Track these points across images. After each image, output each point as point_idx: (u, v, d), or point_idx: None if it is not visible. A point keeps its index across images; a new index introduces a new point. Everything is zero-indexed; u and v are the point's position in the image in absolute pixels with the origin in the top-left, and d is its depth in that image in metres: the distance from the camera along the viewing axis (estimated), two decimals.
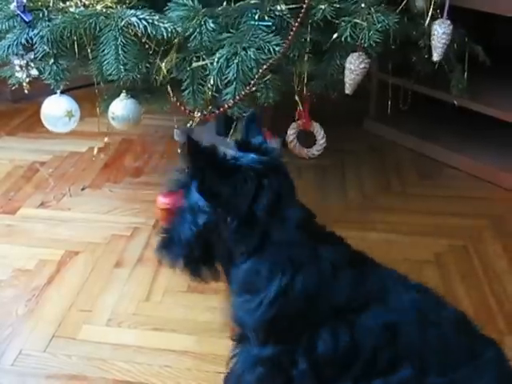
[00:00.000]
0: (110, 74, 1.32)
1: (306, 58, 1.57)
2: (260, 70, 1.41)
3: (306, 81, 1.63)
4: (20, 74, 1.49)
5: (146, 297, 1.56)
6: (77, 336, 1.42)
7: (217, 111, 1.50)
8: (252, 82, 1.42)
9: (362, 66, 1.55)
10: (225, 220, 1.00)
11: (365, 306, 0.99)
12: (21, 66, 1.49)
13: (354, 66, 1.55)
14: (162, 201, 1.72)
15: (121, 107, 1.34)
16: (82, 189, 2.10)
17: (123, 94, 1.36)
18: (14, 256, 1.71)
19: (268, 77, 1.43)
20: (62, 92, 1.47)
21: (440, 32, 1.59)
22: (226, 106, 1.45)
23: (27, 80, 1.51)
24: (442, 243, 1.82)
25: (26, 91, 1.54)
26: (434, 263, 1.73)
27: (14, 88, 1.53)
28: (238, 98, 1.42)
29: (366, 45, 1.48)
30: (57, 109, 1.42)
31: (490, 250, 1.80)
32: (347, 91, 1.63)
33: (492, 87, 2.23)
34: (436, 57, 1.64)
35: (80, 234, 1.82)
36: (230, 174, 0.98)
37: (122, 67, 1.31)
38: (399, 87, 2.23)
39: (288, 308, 0.99)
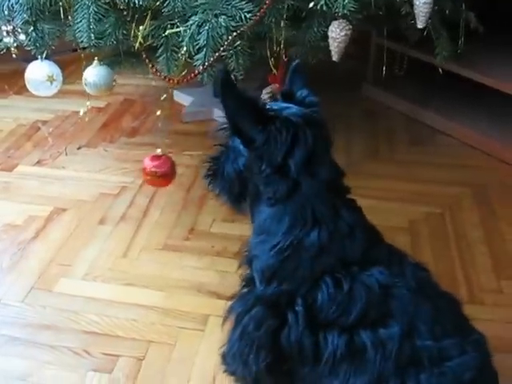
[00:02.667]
0: (81, 42, 1.37)
1: (282, 25, 1.59)
2: (230, 37, 1.44)
3: (282, 47, 1.65)
4: (7, 39, 1.56)
5: (124, 253, 1.65)
6: (53, 288, 1.51)
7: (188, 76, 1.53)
8: (221, 48, 1.45)
9: (343, 33, 1.55)
10: (259, 166, 1.03)
11: (369, 266, 1.03)
12: (7, 32, 1.55)
13: (336, 34, 1.55)
14: (148, 164, 1.77)
15: (93, 74, 1.39)
16: (78, 148, 2.18)
17: (95, 61, 1.41)
18: (5, 211, 1.81)
19: (238, 43, 1.45)
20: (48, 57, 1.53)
21: (421, 1, 1.58)
22: (197, 71, 1.49)
23: (15, 45, 1.57)
24: (419, 210, 1.85)
25: (14, 56, 1.61)
26: (407, 230, 1.76)
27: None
28: (207, 64, 1.46)
29: (340, 13, 1.49)
30: (38, 73, 1.48)
31: (467, 219, 1.82)
32: (334, 59, 1.63)
33: (489, 56, 2.20)
34: (420, 24, 1.62)
35: (70, 192, 1.91)
36: (267, 122, 1.00)
37: (92, 35, 1.36)
38: (397, 52, 2.22)
39: (298, 257, 1.03)
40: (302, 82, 1.11)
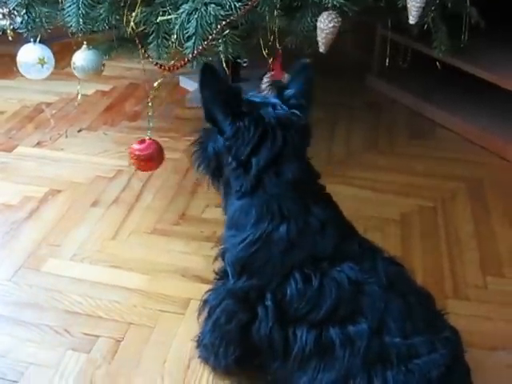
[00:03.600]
0: (70, 26, 1.38)
1: (276, 14, 1.58)
2: (219, 26, 1.44)
3: (277, 36, 1.65)
4: (4, 22, 1.58)
5: (113, 236, 1.67)
6: (41, 268, 1.54)
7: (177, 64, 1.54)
8: (210, 37, 1.45)
9: (332, 25, 1.53)
10: (227, 157, 1.06)
11: (340, 262, 1.03)
12: (3, 14, 1.57)
13: (324, 25, 1.54)
14: (134, 147, 1.78)
15: (81, 58, 1.41)
16: (79, 131, 2.21)
17: (84, 46, 1.42)
18: (1, 191, 1.84)
19: (226, 32, 1.45)
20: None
21: None
22: (186, 59, 1.49)
23: (11, 27, 1.59)
24: (412, 203, 1.84)
25: (10, 38, 1.63)
26: (399, 222, 1.76)
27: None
28: (195, 52, 1.46)
29: (330, 4, 1.48)
30: (30, 56, 1.50)
31: (459, 213, 1.80)
32: (321, 50, 1.62)
33: (491, 51, 2.17)
34: (412, 20, 1.60)
35: (66, 174, 1.94)
36: (239, 117, 1.02)
37: (81, 20, 1.37)
38: (401, 45, 2.20)
39: (267, 251, 1.04)
40: (300, 83, 1.11)
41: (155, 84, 1.77)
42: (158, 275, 1.53)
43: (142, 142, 1.63)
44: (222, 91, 1.02)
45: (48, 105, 2.39)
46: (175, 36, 1.48)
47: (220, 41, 1.47)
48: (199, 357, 1.26)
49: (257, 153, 1.02)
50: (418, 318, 1.03)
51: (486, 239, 1.70)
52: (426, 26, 1.78)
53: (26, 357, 1.29)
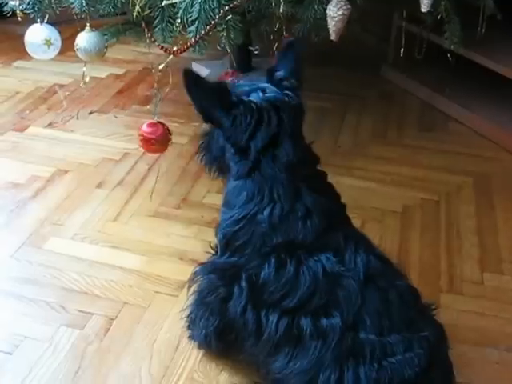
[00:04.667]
0: (73, 8, 1.41)
1: (282, 1, 1.58)
2: (222, 11, 1.44)
3: (284, 23, 1.65)
4: (13, 2, 1.61)
5: (115, 217, 1.70)
6: (43, 246, 1.58)
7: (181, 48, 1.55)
8: (212, 22, 1.45)
9: (341, 12, 1.52)
10: (228, 146, 1.08)
11: (319, 251, 1.04)
12: None
13: (333, 13, 1.53)
14: (145, 130, 1.81)
15: (84, 39, 1.42)
16: (90, 113, 2.24)
17: (87, 27, 1.44)
18: (10, 170, 1.88)
19: (229, 17, 1.46)
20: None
21: None
22: (189, 43, 1.50)
23: (20, 8, 1.62)
24: (415, 196, 1.83)
25: (19, 18, 1.66)
26: (399, 214, 1.75)
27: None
28: (198, 37, 1.47)
29: None
30: (37, 37, 1.52)
31: (463, 209, 1.79)
32: (332, 38, 1.62)
33: (508, 44, 2.13)
34: (423, 8, 1.59)
35: (74, 155, 1.97)
36: (232, 107, 1.03)
37: (83, 2, 1.39)
38: (416, 36, 2.18)
39: (250, 230, 1.05)
40: (288, 63, 1.11)
41: (160, 67, 1.79)
42: (155, 257, 1.56)
43: (151, 124, 1.66)
44: (210, 91, 1.03)
45: (62, 86, 2.43)
46: (179, 20, 1.50)
47: (223, 26, 1.48)
48: (189, 336, 1.29)
49: (254, 137, 1.04)
50: (396, 316, 1.02)
51: (487, 235, 1.68)
52: (439, 17, 1.77)
53: (21, 330, 1.33)
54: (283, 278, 1.03)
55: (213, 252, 1.20)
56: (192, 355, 1.28)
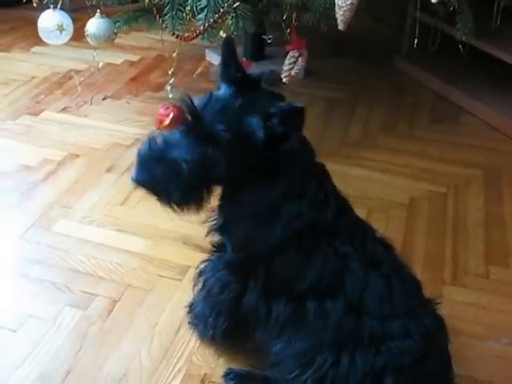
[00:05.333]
0: None
1: None
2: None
3: (294, 11, 1.65)
4: None
5: (123, 201, 1.72)
6: (51, 228, 1.60)
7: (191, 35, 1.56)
8: (221, 10, 1.47)
9: (349, 1, 1.52)
10: None
11: (332, 236, 1.03)
12: None
13: (341, 2, 1.53)
14: (160, 112, 1.86)
15: (94, 25, 1.45)
16: (103, 98, 2.27)
17: (97, 14, 1.46)
18: (22, 152, 1.92)
19: (236, 5, 1.46)
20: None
21: None
22: (198, 31, 1.52)
23: None
24: (423, 188, 1.82)
25: (34, 4, 1.69)
26: (406, 206, 1.74)
27: None
28: (207, 24, 1.48)
29: None
30: (49, 22, 1.55)
31: (471, 201, 1.78)
32: (339, 27, 1.62)
33: None
34: None
35: (86, 139, 2.00)
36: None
37: None
38: (431, 27, 2.16)
39: (272, 224, 1.02)
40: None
41: (174, 54, 1.81)
42: (160, 241, 1.58)
43: (167, 107, 1.71)
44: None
45: (77, 72, 2.46)
46: (189, 8, 1.51)
47: (232, 15, 1.49)
48: (189, 323, 1.30)
49: None
50: (398, 301, 1.03)
51: (495, 229, 1.67)
52: (452, 8, 1.75)
53: (26, 309, 1.36)
54: (299, 263, 1.03)
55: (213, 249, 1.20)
56: (192, 339, 1.29)
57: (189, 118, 0.94)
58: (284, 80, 1.75)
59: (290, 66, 1.75)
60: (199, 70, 1.61)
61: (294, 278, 1.05)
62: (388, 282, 1.04)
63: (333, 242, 1.03)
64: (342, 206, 1.09)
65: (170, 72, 1.76)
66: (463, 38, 1.78)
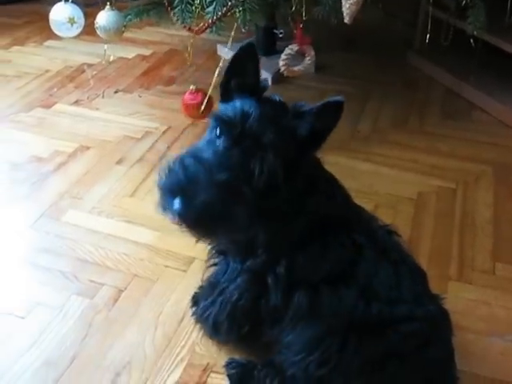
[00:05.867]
0: None
1: None
2: None
3: (302, 4, 1.65)
4: None
5: (132, 193, 1.74)
6: (61, 218, 1.63)
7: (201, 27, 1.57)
8: (229, 3, 1.47)
9: None
10: None
11: (346, 227, 1.05)
12: None
13: None
14: (188, 97, 1.88)
15: (104, 18, 1.46)
16: (115, 92, 2.29)
17: (108, 6, 1.47)
18: (34, 144, 1.94)
19: None
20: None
21: None
22: (206, 24, 1.53)
23: None
24: (432, 183, 1.81)
25: None
26: (414, 201, 1.74)
27: None
28: (215, 17, 1.49)
29: None
30: (61, 15, 1.57)
31: (480, 197, 1.77)
32: (345, 20, 1.62)
33: None
34: None
35: (97, 132, 2.02)
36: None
37: None
38: (443, 22, 2.15)
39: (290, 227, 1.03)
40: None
41: (188, 48, 1.82)
42: (167, 233, 1.58)
43: (191, 92, 1.75)
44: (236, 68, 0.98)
45: (90, 66, 2.48)
46: (198, 1, 1.52)
47: (240, 8, 1.50)
48: (193, 315, 1.31)
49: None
50: (405, 288, 1.04)
51: (503, 225, 1.66)
52: (464, 2, 1.74)
53: (35, 297, 1.38)
54: (317, 257, 1.03)
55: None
56: (195, 329, 1.31)
57: (230, 130, 0.90)
58: (283, 72, 1.75)
59: (287, 58, 1.74)
60: (219, 67, 1.61)
61: (313, 270, 1.05)
62: (396, 269, 1.04)
63: (350, 234, 1.04)
64: (346, 197, 1.10)
65: (188, 63, 1.78)
66: (475, 33, 1.77)
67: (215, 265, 1.21)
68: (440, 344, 1.06)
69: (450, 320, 1.10)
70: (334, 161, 1.11)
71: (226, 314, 1.16)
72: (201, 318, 1.25)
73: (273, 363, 1.13)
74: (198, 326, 1.30)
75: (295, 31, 1.70)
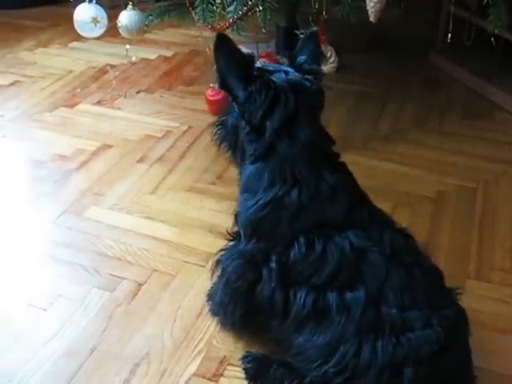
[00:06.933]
0: None
1: None
2: None
3: (323, 5, 1.67)
4: None
5: (152, 191, 1.76)
6: (83, 214, 1.66)
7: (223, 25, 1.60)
8: (250, 2, 1.49)
9: None
10: (242, 123, 1.09)
11: (346, 228, 1.05)
12: None
13: None
14: (210, 93, 1.92)
15: (126, 17, 1.49)
16: (137, 92, 2.32)
17: (129, 6, 1.50)
18: (58, 143, 1.98)
19: None
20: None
21: None
22: (227, 23, 1.55)
23: None
24: (451, 182, 1.81)
25: (71, 0, 1.75)
26: (433, 200, 1.73)
27: None
28: (235, 17, 1.51)
29: None
30: (84, 15, 1.61)
31: (500, 196, 1.75)
32: (370, 19, 1.63)
33: None
34: None
35: (119, 131, 2.05)
36: (251, 81, 1.04)
37: None
38: (465, 22, 2.14)
39: (277, 214, 1.07)
40: (309, 50, 1.12)
41: (210, 46, 1.84)
42: (186, 229, 1.61)
43: (213, 89, 1.83)
44: (235, 59, 1.04)
45: (112, 67, 2.53)
46: (219, 0, 1.54)
47: (260, 7, 1.51)
48: (210, 311, 1.33)
49: (270, 115, 1.04)
50: (418, 292, 1.02)
51: None
52: (485, 1, 1.74)
53: (57, 289, 1.41)
54: (312, 257, 1.04)
55: (230, 238, 1.23)
56: (213, 323, 1.32)
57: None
58: None
59: None
60: None
61: (309, 272, 1.06)
62: (409, 272, 1.03)
63: (347, 235, 1.04)
64: (358, 198, 1.10)
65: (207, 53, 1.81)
66: (495, 31, 1.76)
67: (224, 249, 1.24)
68: (457, 348, 1.04)
69: (467, 318, 1.08)
70: (354, 160, 1.12)
71: (228, 293, 1.20)
72: (209, 296, 1.31)
73: (291, 366, 1.13)
74: (215, 320, 1.32)
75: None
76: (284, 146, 1.05)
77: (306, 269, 1.06)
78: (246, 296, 1.17)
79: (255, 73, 1.05)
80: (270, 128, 1.05)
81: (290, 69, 1.09)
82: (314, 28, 1.14)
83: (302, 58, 1.10)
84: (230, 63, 1.05)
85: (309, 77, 1.08)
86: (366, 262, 1.03)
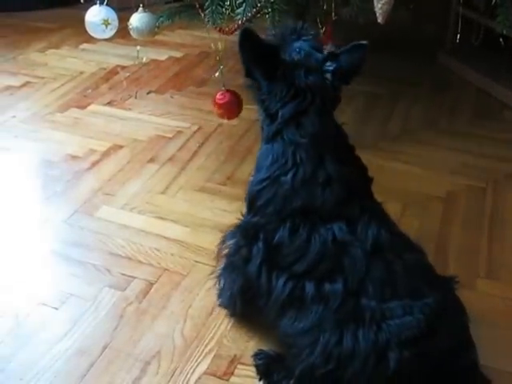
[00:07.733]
0: None
1: None
2: None
3: (332, 6, 1.67)
4: None
5: (163, 190, 1.78)
6: (94, 214, 1.67)
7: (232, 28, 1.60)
8: (258, 4, 1.50)
9: None
10: (260, 107, 1.15)
11: (332, 220, 1.07)
12: None
13: None
14: (218, 97, 1.93)
15: (137, 19, 1.50)
16: (148, 93, 2.34)
17: (141, 8, 1.51)
18: (69, 143, 2.00)
19: (274, 0, 1.49)
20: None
21: None
22: (236, 25, 1.55)
23: None
24: (461, 182, 1.81)
25: (81, 1, 1.77)
26: (443, 199, 1.74)
27: None
28: (244, 18, 1.52)
29: None
30: (95, 17, 1.62)
31: (510, 195, 1.75)
32: (379, 20, 1.63)
33: None
34: None
35: (130, 131, 2.07)
36: (274, 76, 1.09)
37: None
38: (474, 22, 2.14)
39: (271, 191, 1.11)
40: (352, 58, 1.14)
41: (220, 47, 1.86)
42: (198, 229, 1.62)
43: (222, 92, 1.79)
44: (260, 52, 1.09)
45: (123, 68, 2.54)
46: (228, 2, 1.55)
47: (269, 9, 1.52)
48: (219, 304, 1.36)
49: (284, 107, 1.10)
50: (399, 284, 1.04)
51: None
52: (494, 2, 1.74)
53: (68, 288, 1.42)
54: (296, 243, 1.08)
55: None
56: (224, 322, 1.33)
57: None
58: None
59: None
60: None
61: (293, 257, 1.09)
62: (390, 266, 1.05)
63: (332, 227, 1.07)
64: (355, 193, 1.11)
65: (217, 58, 1.81)
66: (504, 31, 1.75)
67: None
68: (447, 332, 1.04)
69: (461, 305, 1.08)
70: (364, 160, 1.14)
71: (227, 268, 1.27)
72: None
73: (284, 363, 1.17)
74: (225, 318, 1.34)
75: (322, 32, 1.72)
76: (289, 133, 1.10)
77: (291, 253, 1.09)
78: (241, 271, 1.21)
79: (279, 66, 1.09)
80: (281, 117, 1.10)
81: (316, 61, 1.10)
82: (365, 42, 1.15)
83: (343, 60, 1.12)
84: (255, 57, 1.09)
85: (328, 78, 1.10)
86: (347, 255, 1.06)
